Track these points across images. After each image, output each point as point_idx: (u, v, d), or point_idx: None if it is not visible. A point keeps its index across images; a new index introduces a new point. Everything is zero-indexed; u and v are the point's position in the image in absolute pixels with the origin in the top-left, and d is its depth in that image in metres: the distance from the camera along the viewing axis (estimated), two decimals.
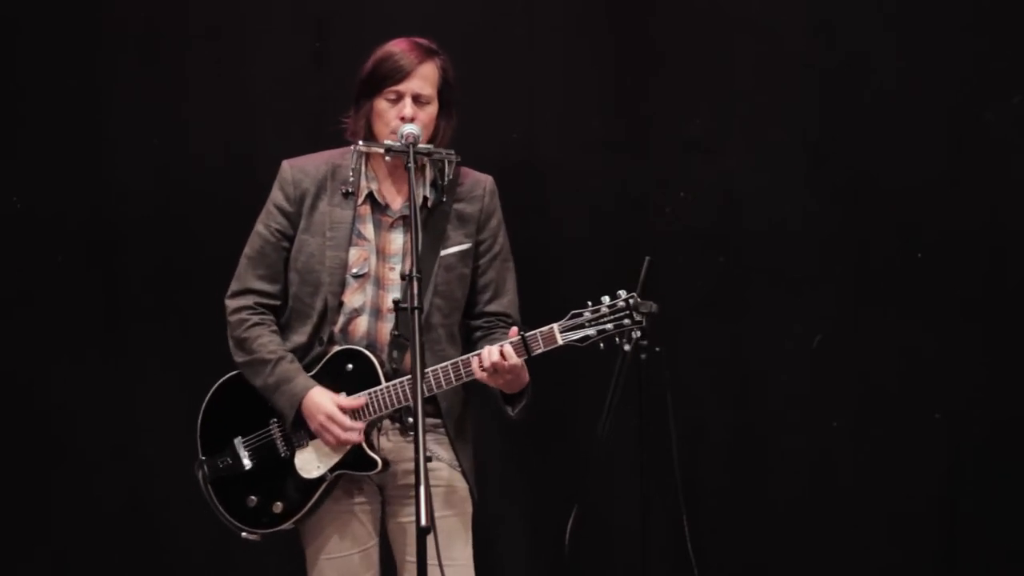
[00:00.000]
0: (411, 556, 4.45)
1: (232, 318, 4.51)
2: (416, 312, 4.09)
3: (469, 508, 4.54)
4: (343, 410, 4.37)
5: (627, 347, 4.80)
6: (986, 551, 5.75)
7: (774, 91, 5.76)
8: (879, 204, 5.74)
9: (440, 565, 4.45)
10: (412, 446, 4.38)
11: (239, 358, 4.50)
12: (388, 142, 4.35)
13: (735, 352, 5.82)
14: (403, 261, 4.42)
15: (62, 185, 5.91)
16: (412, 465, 4.38)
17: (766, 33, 5.75)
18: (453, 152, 4.40)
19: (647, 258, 4.75)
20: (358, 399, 4.37)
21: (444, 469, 4.48)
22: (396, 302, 4.39)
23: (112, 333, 5.93)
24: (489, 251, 4.52)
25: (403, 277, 4.32)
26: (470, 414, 4.56)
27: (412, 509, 4.38)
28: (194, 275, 5.88)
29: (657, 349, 4.82)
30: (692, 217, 5.79)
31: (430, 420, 4.45)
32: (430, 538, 4.25)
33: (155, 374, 5.90)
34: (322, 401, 4.38)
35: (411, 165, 4.26)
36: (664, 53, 5.80)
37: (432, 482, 4.41)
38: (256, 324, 4.49)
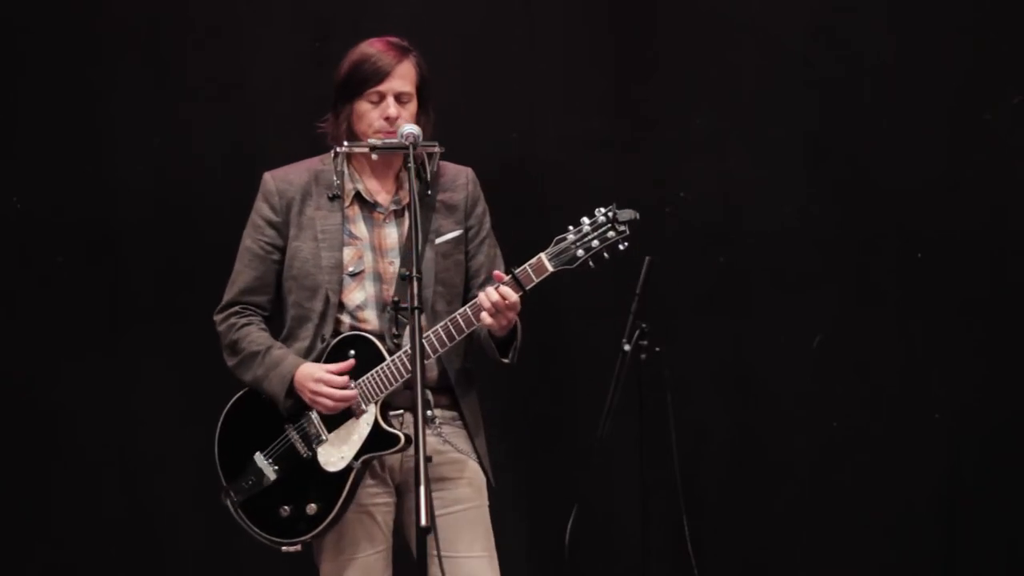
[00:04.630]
0: (442, 550, 4.44)
1: (220, 327, 4.54)
2: (416, 312, 4.10)
3: (487, 499, 4.55)
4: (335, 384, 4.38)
5: (627, 347, 4.82)
6: (986, 551, 5.75)
7: (774, 91, 5.76)
8: (879, 204, 5.75)
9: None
10: (436, 438, 4.45)
11: (231, 361, 4.52)
12: (372, 140, 4.38)
13: (735, 352, 5.82)
14: (400, 255, 4.43)
15: (62, 185, 5.91)
16: (440, 457, 4.44)
17: (766, 33, 5.76)
18: (436, 144, 4.42)
19: (647, 258, 4.75)
20: (346, 362, 4.37)
21: (462, 462, 4.49)
22: (395, 302, 4.41)
23: (112, 333, 5.93)
24: (477, 236, 4.56)
25: (403, 277, 4.33)
26: (482, 404, 4.56)
27: (438, 503, 4.40)
28: (194, 275, 5.87)
29: (657, 349, 4.83)
30: (692, 217, 5.79)
31: (446, 412, 4.49)
32: (455, 533, 4.37)
33: (155, 374, 5.90)
34: (310, 370, 4.39)
35: (411, 165, 4.28)
36: (664, 53, 5.80)
37: (452, 475, 4.46)
38: (244, 325, 4.51)
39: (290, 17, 5.88)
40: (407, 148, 4.33)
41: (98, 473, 5.94)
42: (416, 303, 4.11)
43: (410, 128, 4.34)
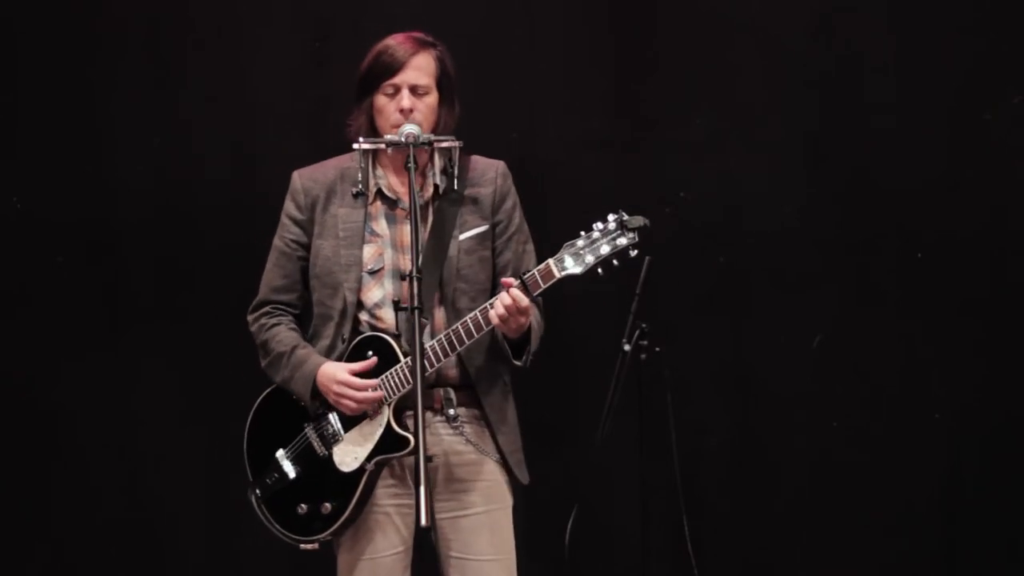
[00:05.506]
0: (456, 552, 4.44)
1: (253, 327, 4.55)
2: (416, 312, 4.10)
3: (510, 500, 4.52)
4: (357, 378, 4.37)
5: (627, 347, 4.82)
6: (986, 551, 5.75)
7: (774, 91, 5.76)
8: (879, 204, 5.75)
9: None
10: (458, 438, 4.44)
11: (263, 362, 4.53)
12: (389, 136, 4.36)
13: (735, 352, 5.82)
14: (421, 252, 4.41)
15: (62, 185, 5.91)
16: (458, 458, 4.44)
17: (766, 33, 5.76)
18: (453, 138, 4.40)
19: (647, 258, 4.75)
20: (367, 361, 4.36)
21: (483, 463, 4.46)
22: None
23: (112, 333, 5.93)
24: (505, 232, 4.51)
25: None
26: (511, 401, 4.54)
27: (455, 504, 4.43)
28: (194, 275, 5.88)
29: (657, 349, 4.83)
30: (692, 217, 5.79)
31: (469, 410, 4.46)
32: (469, 535, 4.38)
33: (155, 374, 5.90)
34: (332, 371, 4.38)
35: (411, 165, 4.27)
36: (664, 53, 5.80)
37: (470, 477, 4.44)
38: (274, 325, 4.51)
39: (290, 17, 5.89)
40: (420, 146, 4.31)
41: (98, 473, 5.94)
42: (416, 303, 4.10)
43: (410, 128, 4.33)
